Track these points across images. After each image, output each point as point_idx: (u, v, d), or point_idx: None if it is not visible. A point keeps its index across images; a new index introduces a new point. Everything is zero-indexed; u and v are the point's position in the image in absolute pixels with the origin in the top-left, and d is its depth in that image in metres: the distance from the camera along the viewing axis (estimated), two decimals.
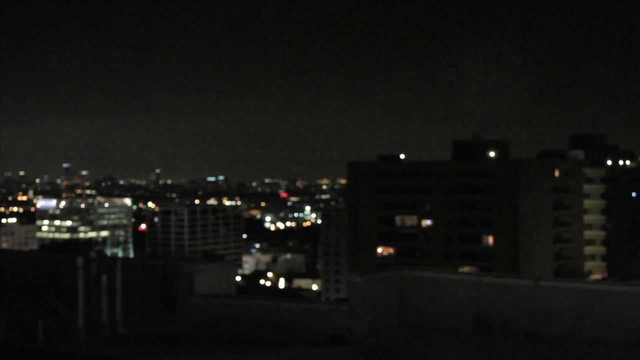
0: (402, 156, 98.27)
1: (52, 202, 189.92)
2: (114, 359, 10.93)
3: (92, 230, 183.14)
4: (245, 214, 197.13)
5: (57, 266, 15.37)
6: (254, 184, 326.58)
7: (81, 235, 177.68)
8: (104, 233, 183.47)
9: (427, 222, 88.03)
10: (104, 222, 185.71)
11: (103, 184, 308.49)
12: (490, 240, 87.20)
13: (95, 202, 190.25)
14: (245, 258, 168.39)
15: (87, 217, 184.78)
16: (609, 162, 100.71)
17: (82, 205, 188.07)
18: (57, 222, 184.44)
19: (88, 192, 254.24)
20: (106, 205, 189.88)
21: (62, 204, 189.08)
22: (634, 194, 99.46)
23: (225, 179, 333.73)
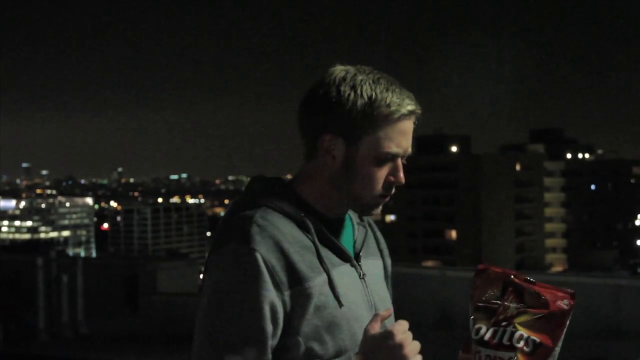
0: None
1: (12, 203, 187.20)
2: None
3: (54, 230, 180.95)
4: (209, 212, 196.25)
5: (16, 267, 15.11)
6: (217, 181, 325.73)
7: (42, 235, 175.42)
8: (66, 233, 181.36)
9: (390, 218, 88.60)
10: (66, 222, 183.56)
11: (64, 184, 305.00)
12: (454, 234, 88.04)
13: (56, 202, 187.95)
14: None
15: (48, 217, 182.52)
16: (569, 156, 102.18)
17: (43, 205, 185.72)
18: (17, 223, 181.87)
19: (48, 191, 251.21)
20: (67, 204, 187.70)
21: (22, 204, 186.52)
22: (593, 187, 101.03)
23: (189, 177, 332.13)
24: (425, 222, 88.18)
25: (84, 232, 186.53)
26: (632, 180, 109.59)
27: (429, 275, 11.07)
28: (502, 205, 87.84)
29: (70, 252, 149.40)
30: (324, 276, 1.63)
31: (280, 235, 1.61)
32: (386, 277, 1.86)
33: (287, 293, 1.59)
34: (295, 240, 1.62)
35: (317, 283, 1.62)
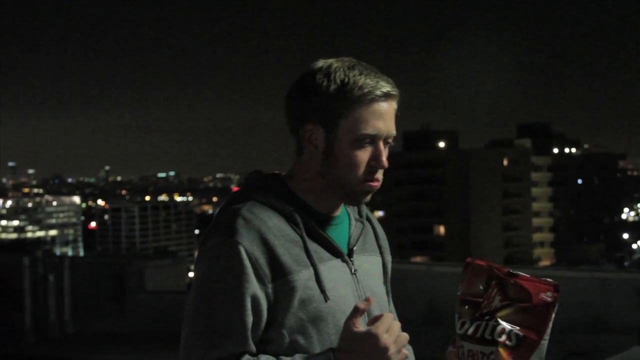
0: None
1: None
2: (62, 359, 10.76)
3: (41, 229, 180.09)
4: (197, 210, 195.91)
5: (2, 267, 15.04)
6: (205, 179, 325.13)
7: (29, 235, 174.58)
8: (53, 232, 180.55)
9: (379, 214, 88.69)
10: (53, 221, 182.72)
11: (51, 182, 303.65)
12: (442, 229, 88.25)
13: (43, 201, 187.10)
14: None
15: (34, 217, 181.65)
16: (556, 150, 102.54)
17: (30, 205, 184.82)
18: (3, 222, 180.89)
19: (35, 190, 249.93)
20: (54, 203, 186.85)
21: (9, 203, 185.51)
22: (580, 181, 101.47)
23: (176, 175, 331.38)
24: (413, 218, 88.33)
25: (71, 231, 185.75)
26: (619, 174, 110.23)
27: (416, 271, 11.09)
28: (490, 200, 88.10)
29: (58, 251, 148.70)
30: (311, 270, 1.64)
31: (265, 228, 1.63)
32: (385, 274, 1.85)
33: (270, 286, 1.61)
34: (281, 234, 1.64)
35: (303, 277, 1.63)
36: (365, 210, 1.82)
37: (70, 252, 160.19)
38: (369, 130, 1.66)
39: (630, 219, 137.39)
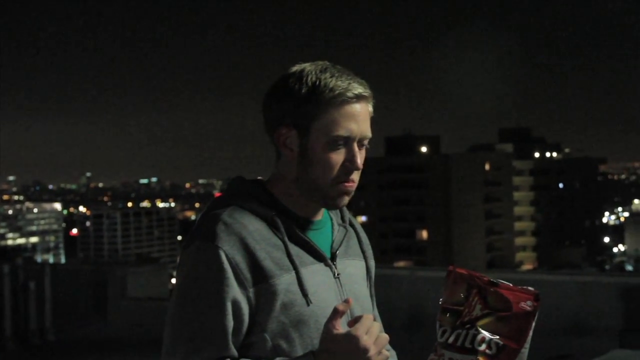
0: None
1: None
2: None
3: (21, 236, 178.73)
4: (180, 216, 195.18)
5: None
6: (187, 185, 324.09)
7: (9, 242, 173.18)
8: (34, 239, 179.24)
9: (361, 218, 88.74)
10: (34, 228, 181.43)
11: (31, 189, 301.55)
12: (425, 234, 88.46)
13: (24, 208, 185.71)
14: None
15: (15, 224, 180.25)
16: (537, 155, 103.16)
17: (10, 212, 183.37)
18: None
19: (16, 197, 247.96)
20: (35, 210, 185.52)
21: None
22: (561, 185, 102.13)
23: (158, 181, 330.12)
24: (396, 223, 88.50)
25: (52, 238, 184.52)
26: (599, 178, 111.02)
27: (399, 276, 11.11)
28: (472, 204, 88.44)
29: (39, 258, 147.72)
30: (293, 274, 1.64)
31: (246, 233, 1.63)
32: (368, 278, 1.86)
33: (251, 290, 1.61)
34: (262, 238, 1.64)
35: (284, 281, 1.63)
36: (348, 215, 1.83)
37: (51, 259, 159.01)
38: (342, 132, 1.66)
39: (611, 222, 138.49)
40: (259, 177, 1.77)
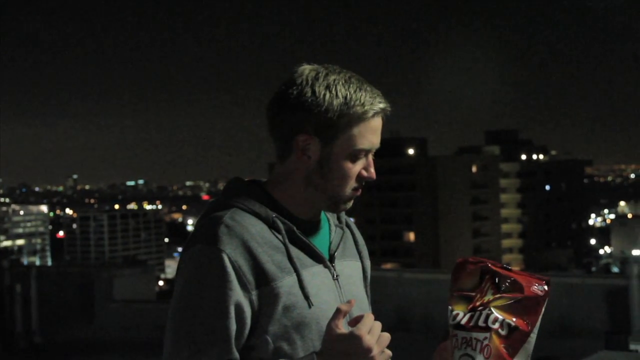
0: None
1: None
2: None
3: (7, 239, 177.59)
4: (167, 218, 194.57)
5: None
6: (174, 187, 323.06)
7: None
8: (20, 241, 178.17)
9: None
10: (20, 230, 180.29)
11: (17, 191, 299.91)
12: (412, 236, 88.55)
13: (10, 210, 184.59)
14: (168, 262, 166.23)
15: (1, 226, 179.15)
16: (524, 157, 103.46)
17: None
18: None
19: (1, 200, 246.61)
20: (21, 212, 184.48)
21: None
22: (548, 188, 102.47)
23: (145, 183, 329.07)
24: (383, 225, 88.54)
25: (39, 241, 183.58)
26: (585, 181, 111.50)
27: (386, 278, 11.14)
28: (459, 206, 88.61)
29: (25, 261, 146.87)
30: (294, 276, 1.65)
31: (248, 235, 1.63)
32: (365, 279, 1.88)
33: (254, 293, 1.62)
34: (264, 241, 1.65)
35: (286, 283, 1.64)
36: (344, 216, 1.85)
37: (37, 262, 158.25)
38: (365, 145, 1.72)
39: (597, 224, 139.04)
40: (254, 179, 1.78)
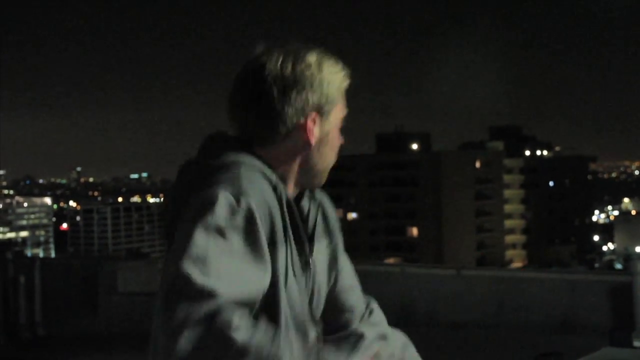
0: None
1: None
2: None
3: (11, 230, 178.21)
4: None
5: None
6: None
7: None
8: (24, 233, 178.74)
9: (352, 215, 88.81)
10: (24, 222, 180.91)
11: (21, 183, 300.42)
12: (415, 231, 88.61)
13: (14, 202, 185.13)
14: None
15: (5, 218, 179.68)
16: (528, 153, 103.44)
17: (0, 206, 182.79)
18: None
19: (6, 192, 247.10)
20: (25, 205, 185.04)
21: None
22: (551, 184, 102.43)
23: (149, 176, 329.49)
24: (386, 220, 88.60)
25: (42, 233, 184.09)
26: (589, 177, 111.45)
27: (390, 273, 11.14)
28: (463, 202, 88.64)
29: (29, 252, 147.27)
30: (284, 250, 1.62)
31: (265, 195, 1.60)
32: (334, 259, 1.82)
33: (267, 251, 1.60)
34: (274, 204, 1.61)
35: (281, 256, 1.61)
36: (317, 191, 1.80)
37: (41, 254, 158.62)
38: (345, 111, 1.75)
39: (601, 221, 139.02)
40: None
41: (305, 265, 1.69)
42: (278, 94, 1.65)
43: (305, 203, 1.74)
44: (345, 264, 1.86)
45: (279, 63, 1.67)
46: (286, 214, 1.63)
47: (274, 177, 1.64)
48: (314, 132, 1.68)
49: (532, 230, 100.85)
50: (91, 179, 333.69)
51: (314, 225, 1.74)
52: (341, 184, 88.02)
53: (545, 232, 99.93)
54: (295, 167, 1.69)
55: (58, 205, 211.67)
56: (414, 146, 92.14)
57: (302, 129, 1.67)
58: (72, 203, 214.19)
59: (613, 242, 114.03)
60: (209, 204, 1.53)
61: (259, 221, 1.54)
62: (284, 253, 1.61)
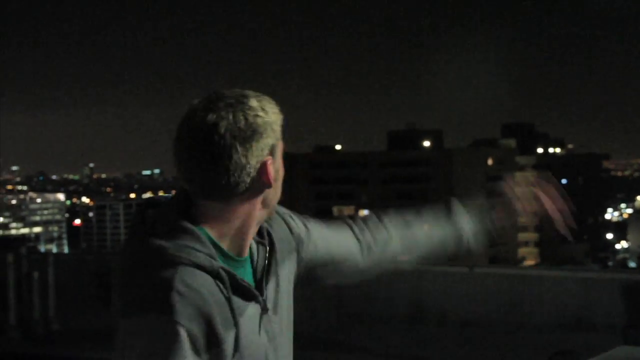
0: (338, 147, 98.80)
1: None
2: (47, 357, 10.74)
3: (25, 226, 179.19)
4: None
5: None
6: None
7: (13, 232, 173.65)
8: (37, 229, 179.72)
9: (364, 212, 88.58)
10: (37, 218, 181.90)
11: (35, 179, 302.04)
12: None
13: (27, 198, 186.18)
14: None
15: (18, 214, 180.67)
16: (540, 150, 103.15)
17: (14, 201, 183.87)
18: None
19: (19, 187, 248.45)
20: (38, 200, 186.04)
21: None
22: (564, 181, 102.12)
23: (161, 173, 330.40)
24: None
25: (55, 228, 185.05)
26: (602, 175, 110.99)
27: (401, 270, 11.15)
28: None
29: (42, 248, 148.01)
30: (234, 332, 1.63)
31: (201, 301, 1.58)
32: (300, 260, 1.87)
33: (205, 357, 1.60)
34: (214, 300, 1.61)
35: (230, 342, 1.62)
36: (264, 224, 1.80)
37: (54, 249, 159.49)
38: (283, 144, 1.73)
39: (614, 219, 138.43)
40: (171, 202, 1.71)
41: (264, 310, 1.72)
42: (241, 148, 1.62)
43: (254, 247, 1.75)
44: (321, 235, 1.92)
45: (231, 117, 1.62)
46: (232, 297, 1.63)
47: (215, 266, 1.62)
48: (271, 173, 1.67)
49: (545, 228, 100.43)
50: (104, 175, 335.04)
51: (262, 269, 1.75)
52: (353, 181, 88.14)
53: (558, 230, 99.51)
54: (256, 212, 1.68)
55: (71, 201, 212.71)
56: (426, 143, 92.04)
57: (262, 172, 1.65)
58: (84, 199, 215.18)
59: (626, 240, 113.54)
60: (137, 335, 1.56)
61: (185, 340, 1.55)
62: (233, 335, 1.63)
